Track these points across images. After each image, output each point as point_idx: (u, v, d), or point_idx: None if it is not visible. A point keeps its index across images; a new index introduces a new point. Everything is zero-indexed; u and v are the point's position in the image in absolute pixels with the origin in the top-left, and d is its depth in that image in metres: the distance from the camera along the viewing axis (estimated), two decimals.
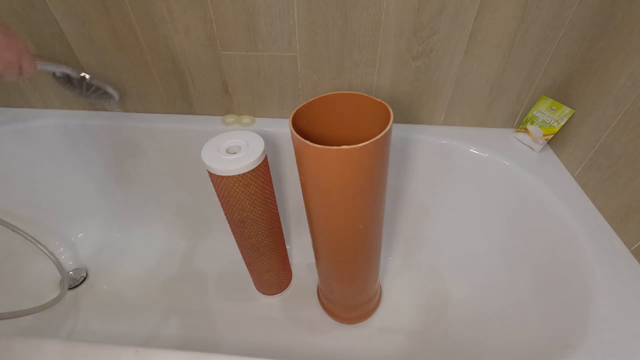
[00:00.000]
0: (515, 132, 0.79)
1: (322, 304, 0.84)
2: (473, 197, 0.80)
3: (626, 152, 0.56)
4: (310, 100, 0.51)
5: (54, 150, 0.89)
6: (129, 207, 1.00)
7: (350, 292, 0.72)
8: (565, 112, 0.69)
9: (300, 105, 0.50)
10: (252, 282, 0.89)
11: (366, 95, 0.51)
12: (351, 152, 0.42)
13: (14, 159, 0.87)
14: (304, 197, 0.56)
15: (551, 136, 0.72)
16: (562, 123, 0.70)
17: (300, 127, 0.51)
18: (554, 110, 0.71)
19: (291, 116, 0.48)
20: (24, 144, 0.87)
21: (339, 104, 0.53)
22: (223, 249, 0.98)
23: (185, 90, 0.81)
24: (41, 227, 0.94)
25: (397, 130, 0.80)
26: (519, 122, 0.80)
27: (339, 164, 0.44)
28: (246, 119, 0.83)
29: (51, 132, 0.86)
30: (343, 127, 0.56)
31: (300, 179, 0.52)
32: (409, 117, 0.81)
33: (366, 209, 0.52)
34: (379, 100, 0.49)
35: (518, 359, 0.58)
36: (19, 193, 0.90)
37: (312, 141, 0.42)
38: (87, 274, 0.95)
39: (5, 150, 0.85)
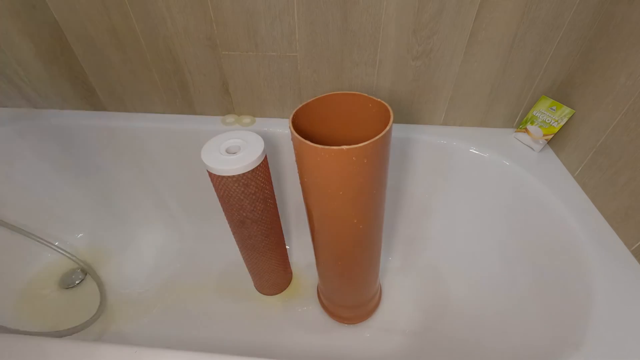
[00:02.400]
0: (515, 132, 0.79)
1: (322, 304, 0.84)
2: (473, 197, 0.80)
3: (626, 152, 0.56)
4: (310, 100, 0.51)
5: (53, 150, 0.89)
6: (129, 207, 1.00)
7: (350, 292, 0.72)
8: (565, 112, 0.69)
9: (300, 105, 0.50)
10: (252, 282, 0.89)
11: (366, 95, 0.51)
12: (351, 152, 0.42)
13: (14, 159, 0.87)
14: (304, 197, 0.56)
15: (551, 136, 0.72)
16: (562, 123, 0.70)
17: (300, 127, 0.51)
18: (554, 110, 0.71)
19: (291, 116, 0.48)
20: (24, 144, 0.87)
21: (338, 104, 0.53)
22: (223, 249, 0.98)
23: (185, 90, 0.81)
24: (41, 227, 0.94)
25: (397, 130, 0.80)
26: (519, 122, 0.80)
27: (338, 164, 0.44)
28: (246, 119, 0.83)
29: (51, 132, 0.86)
30: (343, 127, 0.56)
31: (301, 179, 0.52)
32: (409, 117, 0.81)
33: (366, 209, 0.52)
34: (379, 100, 0.49)
35: (518, 358, 0.58)
36: (18, 193, 0.90)
37: (312, 141, 0.42)
38: (86, 274, 0.95)
39: (4, 151, 0.85)
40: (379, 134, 0.43)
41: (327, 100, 0.52)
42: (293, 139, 0.45)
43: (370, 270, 0.68)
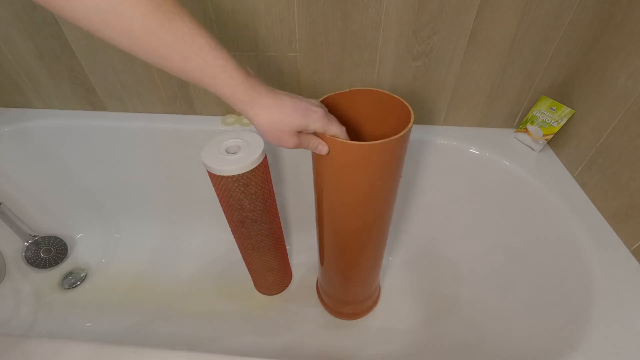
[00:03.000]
0: (515, 132, 0.79)
1: (321, 299, 0.84)
2: (473, 197, 0.80)
3: (626, 152, 0.56)
4: (331, 94, 0.50)
5: (53, 150, 0.89)
6: (129, 207, 1.00)
7: (352, 287, 0.72)
8: (565, 112, 0.69)
9: (323, 98, 0.50)
10: (251, 282, 0.89)
11: (386, 92, 0.50)
12: (376, 148, 0.42)
13: (14, 159, 0.87)
14: (315, 193, 0.56)
15: (551, 136, 0.72)
16: (562, 123, 0.70)
17: None
18: (554, 110, 0.71)
19: None
20: (24, 144, 0.87)
21: (357, 101, 0.53)
22: (222, 249, 0.98)
23: (185, 90, 0.81)
24: (40, 227, 0.94)
25: None
26: (519, 122, 0.80)
27: (356, 159, 0.44)
28: (246, 119, 0.82)
29: (51, 132, 0.86)
30: (362, 123, 0.56)
31: (316, 175, 0.52)
32: None
33: (379, 206, 0.53)
34: (399, 98, 0.49)
35: (518, 358, 0.58)
36: (18, 193, 0.90)
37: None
38: (86, 274, 0.95)
39: (4, 150, 0.85)
40: (395, 130, 0.43)
41: (347, 96, 0.52)
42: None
43: (373, 267, 0.68)
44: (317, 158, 0.49)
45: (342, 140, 0.42)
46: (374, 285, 0.76)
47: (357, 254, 0.62)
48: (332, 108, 0.51)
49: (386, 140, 0.41)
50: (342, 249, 0.61)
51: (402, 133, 0.42)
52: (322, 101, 0.49)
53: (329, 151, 0.44)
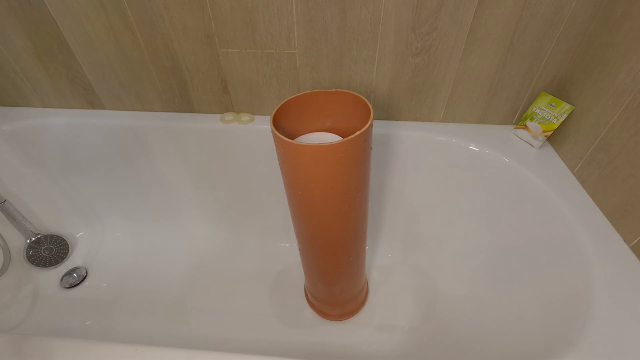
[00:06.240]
0: (514, 128, 0.79)
1: (310, 303, 0.84)
2: (472, 193, 0.80)
3: (625, 148, 0.56)
4: (290, 98, 0.51)
5: (53, 148, 0.89)
6: (129, 205, 1.00)
7: (338, 287, 0.71)
8: (565, 108, 0.69)
9: (280, 104, 0.50)
10: (252, 281, 0.89)
11: (348, 91, 0.51)
12: (332, 149, 0.42)
13: (15, 157, 0.87)
14: (287, 195, 0.55)
15: (550, 132, 0.72)
16: (562, 119, 0.70)
17: (282, 126, 0.51)
18: (553, 106, 0.71)
19: (272, 116, 0.47)
20: (23, 142, 0.86)
21: (321, 102, 0.53)
22: (220, 247, 0.98)
23: (183, 88, 0.81)
24: (43, 225, 0.94)
25: (396, 127, 0.80)
26: (519, 119, 0.80)
27: (314, 160, 0.44)
28: (245, 117, 0.82)
29: (50, 131, 0.86)
30: (325, 123, 0.56)
31: (284, 178, 0.52)
32: (408, 114, 0.81)
33: (348, 203, 0.52)
34: (359, 95, 0.49)
35: (517, 355, 0.58)
36: (18, 192, 0.90)
37: (292, 138, 0.43)
38: (87, 273, 0.95)
39: (4, 149, 0.85)
40: (360, 129, 0.43)
41: (307, 97, 0.52)
42: (274, 137, 0.45)
43: (354, 265, 0.68)
44: (279, 160, 0.49)
45: (291, 141, 0.43)
46: (360, 282, 0.75)
47: (333, 253, 0.61)
48: (292, 112, 0.51)
49: (340, 141, 0.42)
50: (319, 248, 0.61)
51: (355, 134, 0.42)
52: (280, 108, 0.49)
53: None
